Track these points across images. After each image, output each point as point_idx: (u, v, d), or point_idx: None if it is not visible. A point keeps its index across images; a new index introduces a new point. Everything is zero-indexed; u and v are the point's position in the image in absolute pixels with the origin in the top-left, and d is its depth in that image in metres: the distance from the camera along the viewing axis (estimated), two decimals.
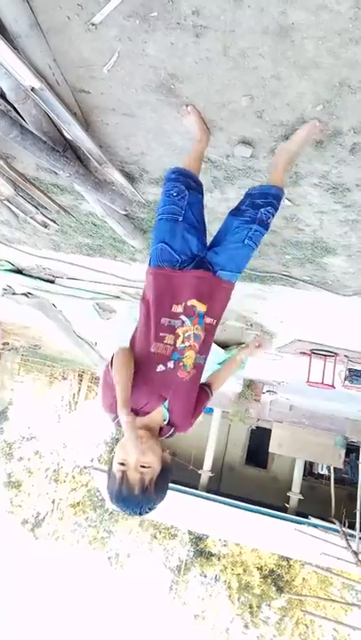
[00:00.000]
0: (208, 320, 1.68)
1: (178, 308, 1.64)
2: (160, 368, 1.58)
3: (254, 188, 1.92)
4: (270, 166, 2.13)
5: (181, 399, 1.60)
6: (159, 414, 1.58)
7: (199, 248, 1.76)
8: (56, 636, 20.41)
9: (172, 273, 1.70)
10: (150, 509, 1.46)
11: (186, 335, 1.61)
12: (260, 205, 1.81)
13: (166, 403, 1.58)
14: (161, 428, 1.59)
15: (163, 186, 1.87)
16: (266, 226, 1.80)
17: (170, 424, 1.59)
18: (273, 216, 1.82)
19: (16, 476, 20.25)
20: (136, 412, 1.53)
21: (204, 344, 1.67)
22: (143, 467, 1.42)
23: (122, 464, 1.43)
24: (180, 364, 1.59)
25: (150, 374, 1.57)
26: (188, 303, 1.64)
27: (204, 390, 1.75)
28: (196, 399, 1.66)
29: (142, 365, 1.57)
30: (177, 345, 1.60)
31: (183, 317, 1.63)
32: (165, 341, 1.60)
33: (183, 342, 1.61)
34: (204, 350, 1.67)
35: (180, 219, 1.77)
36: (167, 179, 1.87)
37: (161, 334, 1.61)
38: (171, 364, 1.58)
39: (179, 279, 1.68)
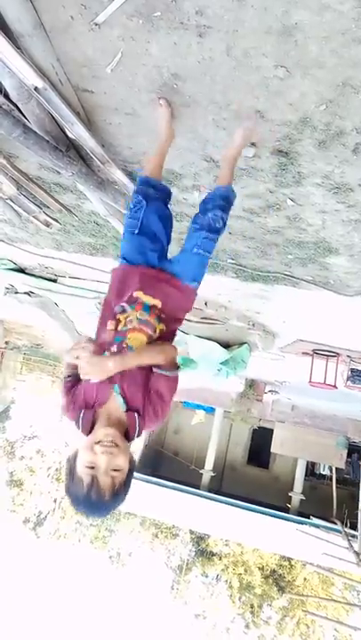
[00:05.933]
0: (162, 315, 1.68)
1: (122, 300, 1.67)
2: (105, 355, 1.55)
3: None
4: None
5: (132, 381, 1.51)
6: (115, 402, 1.48)
7: (158, 260, 1.81)
8: (58, 634, 20.45)
9: (126, 269, 1.78)
10: (113, 511, 1.40)
11: (128, 319, 1.61)
12: (209, 209, 1.82)
13: (117, 387, 1.49)
14: (129, 431, 1.46)
15: None
16: (215, 230, 1.80)
17: (131, 410, 1.48)
18: (222, 219, 1.81)
19: (18, 474, 20.27)
20: (92, 407, 1.48)
21: (160, 334, 1.65)
22: (115, 470, 1.35)
23: (90, 467, 1.34)
24: (124, 344, 1.56)
25: None
26: (134, 294, 1.67)
27: (165, 376, 1.58)
28: (157, 387, 1.53)
29: None
30: (119, 329, 1.60)
31: (125, 305, 1.66)
32: (109, 328, 1.62)
33: (125, 325, 1.60)
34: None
35: (137, 231, 1.82)
36: (133, 190, 1.95)
37: (106, 323, 1.64)
38: (114, 348, 1.55)
39: (128, 274, 1.75)
